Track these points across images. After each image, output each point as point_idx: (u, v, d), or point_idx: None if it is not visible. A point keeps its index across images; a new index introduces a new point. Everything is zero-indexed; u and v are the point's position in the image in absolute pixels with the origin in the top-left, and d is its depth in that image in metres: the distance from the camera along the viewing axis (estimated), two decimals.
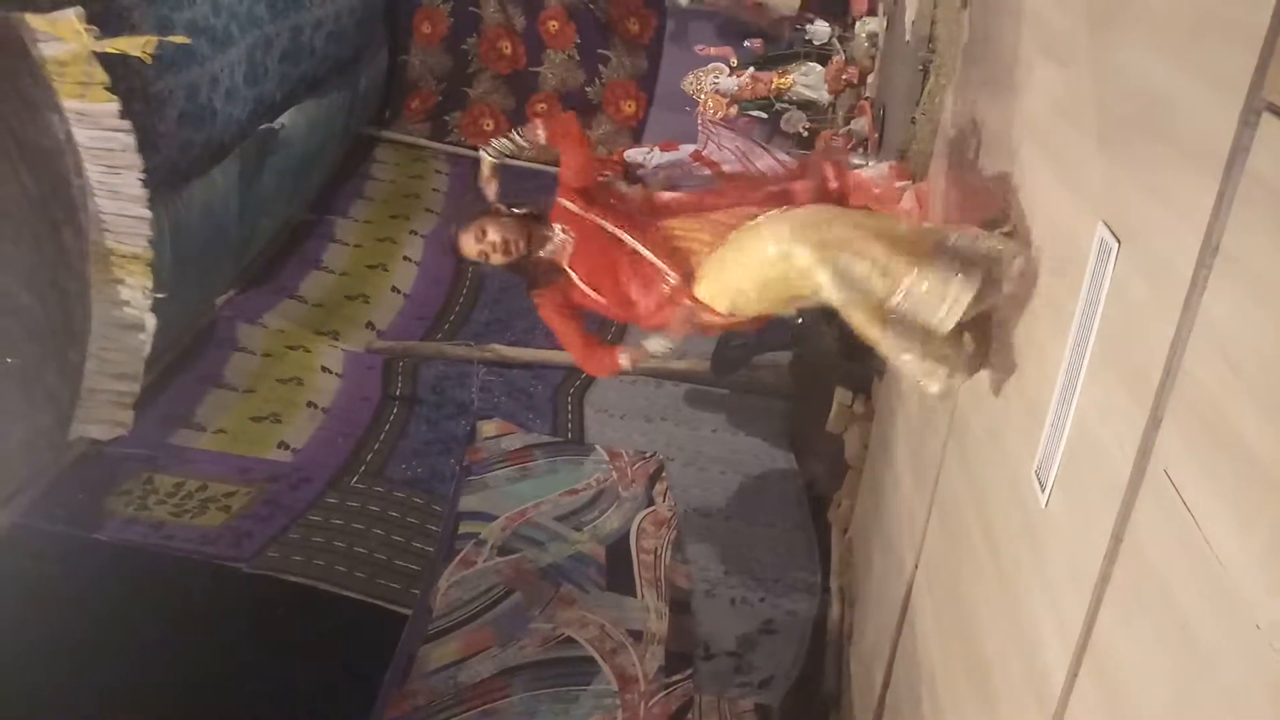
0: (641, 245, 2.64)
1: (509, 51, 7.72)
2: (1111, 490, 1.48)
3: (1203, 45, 1.38)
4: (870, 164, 3.31)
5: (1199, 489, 1.27)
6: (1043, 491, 1.79)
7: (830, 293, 2.26)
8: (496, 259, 2.70)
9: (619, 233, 2.66)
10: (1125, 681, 1.44)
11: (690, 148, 5.75)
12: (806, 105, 6.74)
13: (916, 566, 2.86)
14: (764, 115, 6.81)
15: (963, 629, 2.30)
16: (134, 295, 3.76)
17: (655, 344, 2.71)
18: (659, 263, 2.61)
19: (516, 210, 2.76)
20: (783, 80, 6.71)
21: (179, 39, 3.67)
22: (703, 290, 2.59)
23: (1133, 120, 1.60)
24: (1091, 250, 1.65)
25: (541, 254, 2.75)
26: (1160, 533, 1.36)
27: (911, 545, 2.92)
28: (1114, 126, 1.70)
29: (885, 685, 3.07)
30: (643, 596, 4.12)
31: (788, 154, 5.31)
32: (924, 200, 3.46)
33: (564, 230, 2.73)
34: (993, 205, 2.35)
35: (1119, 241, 1.57)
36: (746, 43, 7.41)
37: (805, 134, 6.66)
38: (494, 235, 2.67)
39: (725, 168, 5.36)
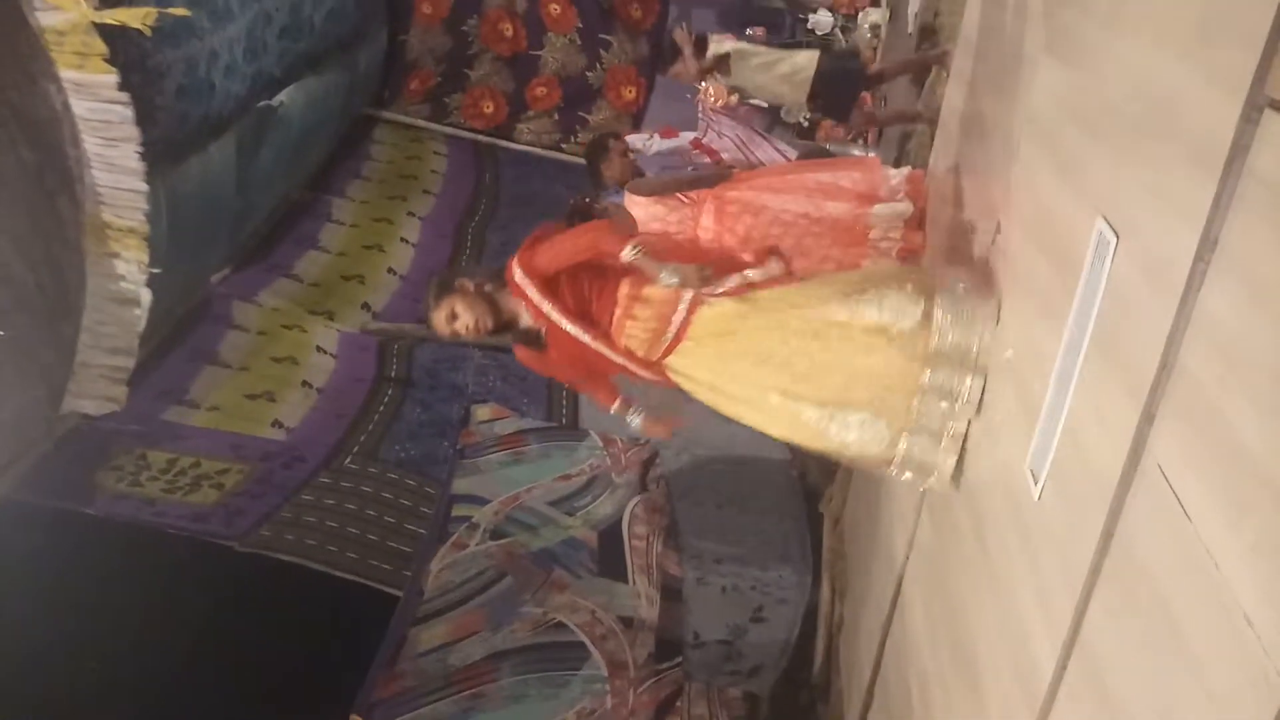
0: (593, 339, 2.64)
1: (510, 34, 7.69)
2: (1104, 485, 1.48)
3: (1205, 42, 1.38)
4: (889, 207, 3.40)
5: (1192, 484, 1.27)
6: (1035, 485, 1.79)
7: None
8: (468, 336, 2.72)
9: (572, 329, 2.63)
10: (1113, 675, 1.44)
11: (690, 135, 5.73)
12: None
13: (907, 558, 2.87)
14: (765, 104, 6.79)
15: (952, 621, 2.31)
16: (129, 269, 3.75)
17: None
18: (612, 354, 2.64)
19: (485, 288, 2.72)
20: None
21: (179, 11, 3.65)
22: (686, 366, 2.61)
23: (1134, 117, 1.60)
24: (1090, 244, 1.65)
25: (516, 324, 2.75)
26: (1152, 528, 1.36)
27: (903, 537, 2.92)
28: (1115, 123, 1.70)
29: (874, 676, 3.08)
30: (634, 583, 4.12)
31: (788, 144, 5.30)
32: (917, 186, 3.46)
33: (530, 314, 2.70)
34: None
35: (1117, 236, 1.57)
36: (749, 31, 7.39)
37: (806, 124, 6.65)
38: (465, 317, 2.68)
39: (725, 156, 5.36)
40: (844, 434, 2.43)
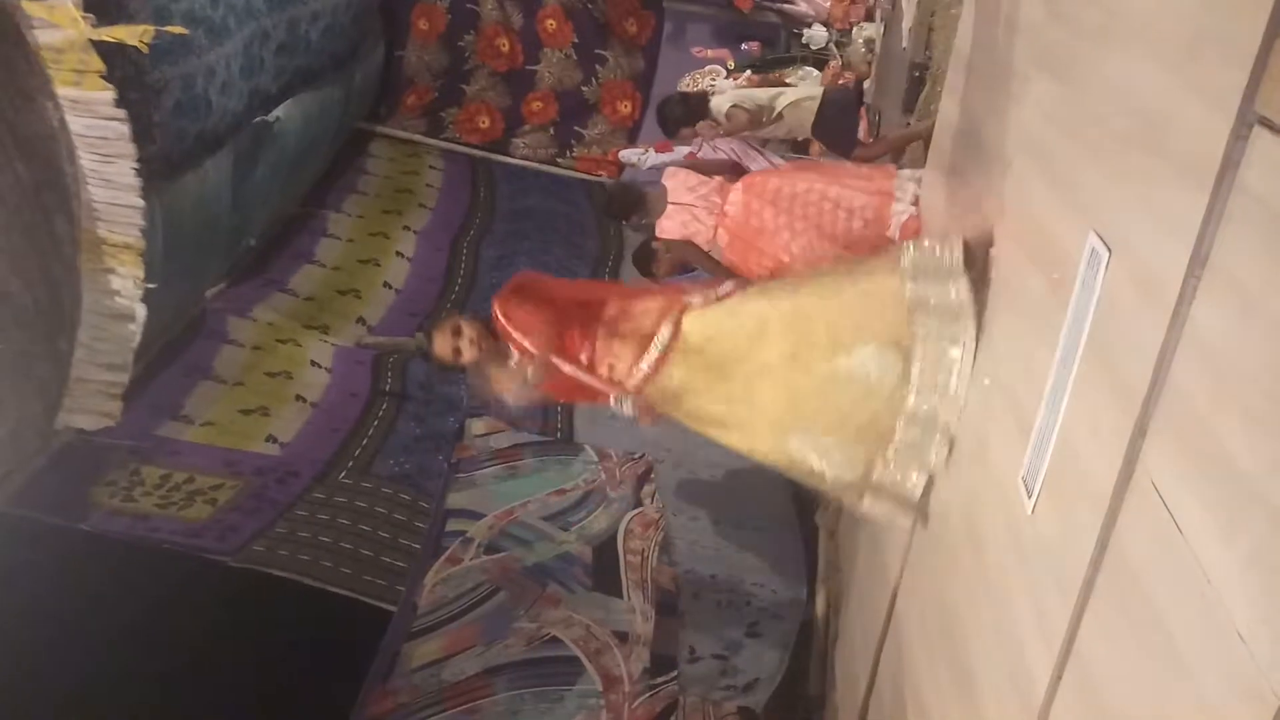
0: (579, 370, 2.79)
1: (506, 49, 7.72)
2: (1097, 498, 1.48)
3: (1196, 59, 1.39)
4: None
5: (1184, 498, 1.27)
6: (1029, 498, 1.79)
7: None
8: (468, 354, 2.87)
9: (554, 360, 2.78)
10: (1108, 688, 1.44)
11: (685, 149, 5.76)
12: None
13: (902, 571, 2.86)
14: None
15: (947, 634, 2.31)
16: (125, 285, 3.75)
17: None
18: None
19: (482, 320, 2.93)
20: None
21: (176, 29, 3.66)
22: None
23: (1125, 132, 1.61)
24: (1082, 259, 1.66)
25: (507, 360, 2.89)
26: (1145, 541, 1.37)
27: (897, 549, 2.92)
28: (1107, 138, 1.71)
29: (870, 689, 3.08)
30: (629, 598, 4.12)
31: (781, 157, 5.33)
32: (914, 232, 3.48)
33: (515, 350, 2.87)
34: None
35: (1110, 250, 1.58)
36: (744, 45, 7.42)
37: (800, 138, 6.67)
38: (469, 331, 2.87)
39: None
40: (820, 463, 2.56)
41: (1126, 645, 1.39)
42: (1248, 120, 1.22)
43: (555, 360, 2.73)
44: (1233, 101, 1.23)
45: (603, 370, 2.74)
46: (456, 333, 2.85)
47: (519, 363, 2.82)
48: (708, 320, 2.64)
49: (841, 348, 2.46)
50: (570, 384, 2.82)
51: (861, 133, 5.58)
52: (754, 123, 5.02)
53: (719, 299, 2.66)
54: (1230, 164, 1.24)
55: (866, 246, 3.40)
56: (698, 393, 2.66)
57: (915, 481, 2.48)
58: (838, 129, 4.77)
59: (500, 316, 2.82)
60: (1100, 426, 1.54)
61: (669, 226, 3.79)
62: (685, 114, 4.96)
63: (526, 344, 2.77)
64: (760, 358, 2.56)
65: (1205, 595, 1.17)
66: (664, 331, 2.65)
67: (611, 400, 2.87)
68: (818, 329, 2.52)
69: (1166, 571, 1.29)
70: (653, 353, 2.65)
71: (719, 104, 5.05)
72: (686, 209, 3.72)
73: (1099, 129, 1.75)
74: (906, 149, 4.33)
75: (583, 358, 2.74)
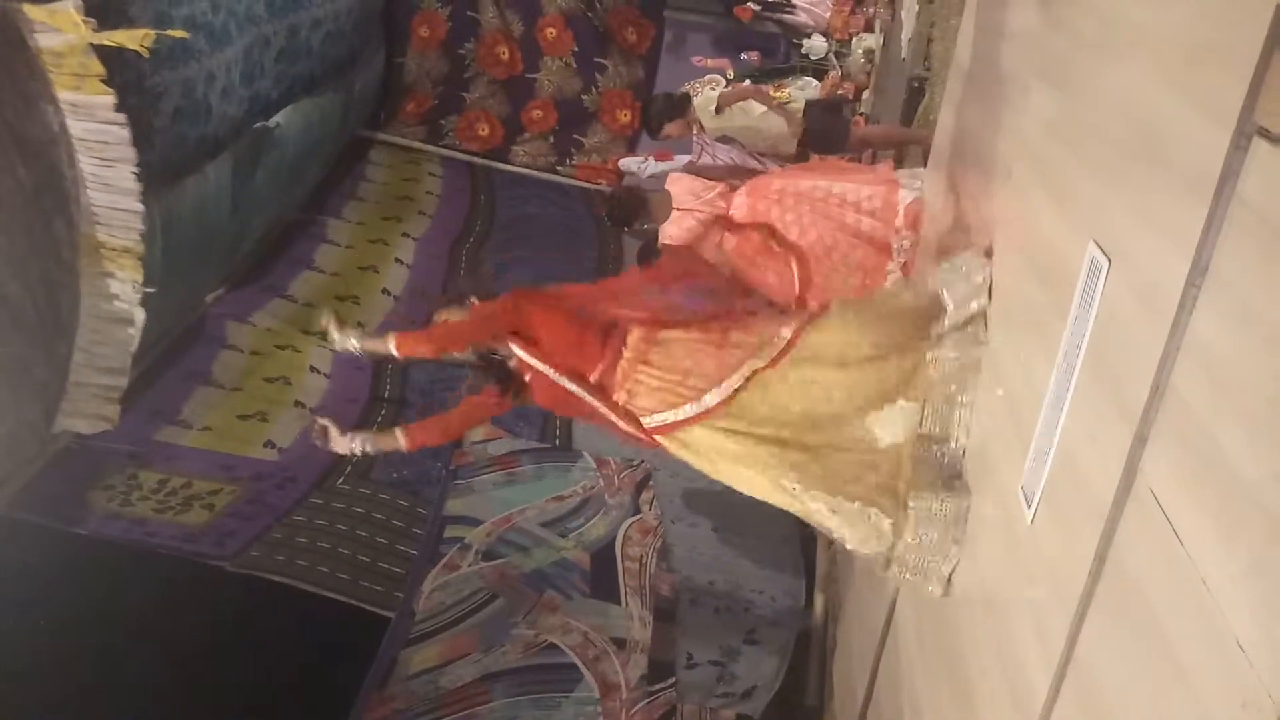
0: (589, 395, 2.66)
1: (506, 57, 7.74)
2: (1097, 507, 1.49)
3: (1195, 70, 1.40)
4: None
5: (1183, 507, 1.27)
6: (1028, 508, 1.79)
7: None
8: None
9: (556, 378, 2.66)
10: (1107, 698, 1.44)
11: (685, 158, 5.77)
12: None
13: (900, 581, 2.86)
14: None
15: (946, 644, 2.31)
16: (124, 289, 3.75)
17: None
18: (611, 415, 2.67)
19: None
20: (779, 93, 6.73)
21: (177, 33, 3.66)
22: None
23: (1125, 143, 1.62)
24: (1082, 268, 1.66)
25: (501, 359, 2.80)
26: (1144, 550, 1.37)
27: None
28: (1107, 148, 1.71)
29: (867, 699, 3.07)
30: (627, 604, 4.11)
31: (779, 165, 5.34)
32: (916, 216, 3.50)
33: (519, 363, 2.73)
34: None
35: (1109, 260, 1.58)
36: (743, 55, 7.44)
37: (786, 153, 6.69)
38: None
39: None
40: (841, 531, 2.48)
41: (1126, 655, 1.39)
42: (1246, 131, 1.22)
43: (562, 377, 2.62)
44: (1232, 112, 1.24)
45: (615, 399, 2.61)
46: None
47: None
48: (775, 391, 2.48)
49: (878, 419, 2.41)
50: (561, 400, 2.70)
51: None
52: (760, 94, 5.01)
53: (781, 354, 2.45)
54: (1230, 174, 1.25)
55: (876, 242, 3.41)
56: (725, 443, 2.58)
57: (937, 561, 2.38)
58: (825, 134, 4.77)
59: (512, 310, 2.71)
60: (1100, 436, 1.54)
61: (674, 233, 3.78)
62: (667, 108, 4.96)
63: (527, 357, 2.66)
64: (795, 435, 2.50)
65: (1204, 603, 1.18)
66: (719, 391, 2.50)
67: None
68: (855, 400, 2.43)
69: (1166, 581, 1.29)
70: (696, 406, 2.53)
71: (704, 102, 5.05)
72: (691, 214, 3.72)
73: (1099, 139, 1.76)
74: (905, 154, 4.34)
75: (593, 376, 2.61)
